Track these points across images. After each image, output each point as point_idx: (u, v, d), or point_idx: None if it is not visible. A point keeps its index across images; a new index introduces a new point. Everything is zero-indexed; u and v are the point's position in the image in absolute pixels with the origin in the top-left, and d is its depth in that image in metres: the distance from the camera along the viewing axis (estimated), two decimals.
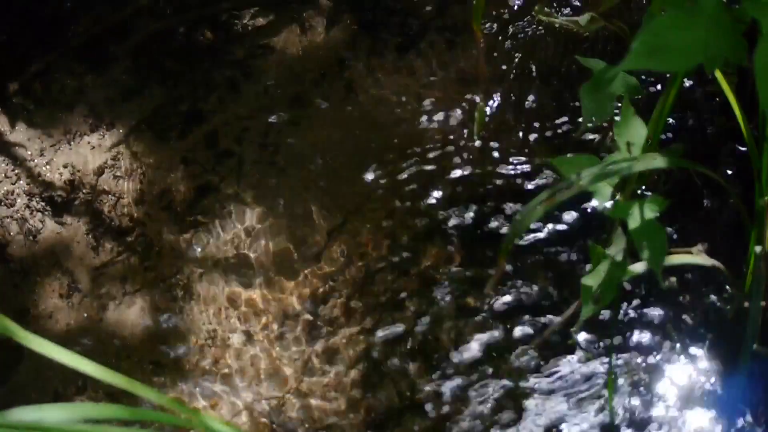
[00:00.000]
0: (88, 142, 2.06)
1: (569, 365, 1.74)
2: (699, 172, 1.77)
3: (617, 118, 1.38)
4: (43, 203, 1.99)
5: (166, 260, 1.93)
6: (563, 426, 1.69)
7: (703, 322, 1.74)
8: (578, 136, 1.49)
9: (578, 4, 2.08)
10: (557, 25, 1.79)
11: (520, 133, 1.99)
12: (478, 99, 2.01)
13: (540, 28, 2.06)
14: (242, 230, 1.95)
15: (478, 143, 1.95)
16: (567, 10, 2.07)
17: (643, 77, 1.90)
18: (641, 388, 1.70)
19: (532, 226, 1.87)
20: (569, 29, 1.93)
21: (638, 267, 1.47)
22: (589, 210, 1.87)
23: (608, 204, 1.33)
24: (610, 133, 1.87)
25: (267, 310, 1.86)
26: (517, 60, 2.06)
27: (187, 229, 1.96)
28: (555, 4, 2.08)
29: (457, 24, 2.12)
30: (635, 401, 1.69)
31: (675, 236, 1.79)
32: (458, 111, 2.03)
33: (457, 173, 1.96)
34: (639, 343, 1.74)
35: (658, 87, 1.94)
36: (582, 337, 1.76)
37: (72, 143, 2.06)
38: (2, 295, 1.91)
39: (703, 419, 1.66)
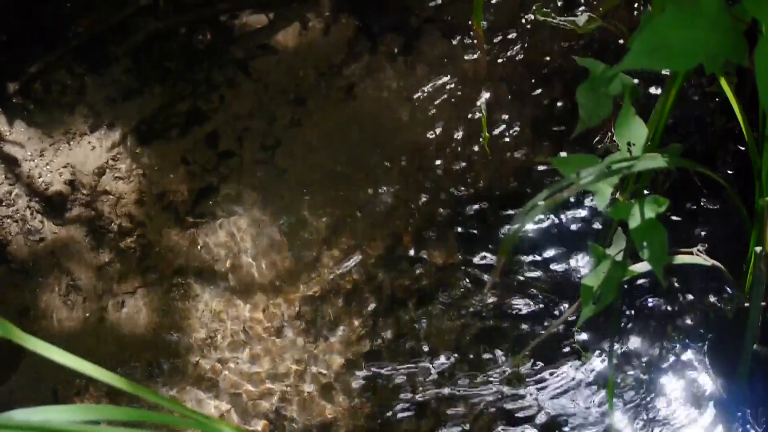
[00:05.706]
0: (88, 142, 2.06)
1: (569, 365, 1.74)
2: (699, 172, 1.77)
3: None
4: (43, 203, 1.99)
5: (166, 260, 1.93)
6: (564, 426, 1.69)
7: (703, 322, 1.74)
8: (575, 135, 1.49)
9: (578, 3, 2.08)
10: (556, 25, 1.79)
11: (520, 132, 1.99)
12: (479, 98, 2.01)
13: (540, 27, 2.06)
14: (242, 230, 1.95)
15: (478, 143, 1.94)
16: (565, 8, 2.07)
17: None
18: (641, 388, 1.70)
19: (533, 225, 1.87)
20: (568, 29, 1.93)
21: (638, 267, 1.47)
22: (589, 210, 1.87)
23: (608, 204, 1.33)
24: (610, 133, 1.87)
25: (266, 311, 1.86)
26: (517, 59, 2.06)
27: (187, 229, 1.96)
28: (557, 3, 2.09)
29: (457, 23, 2.12)
30: (635, 401, 1.69)
31: (675, 237, 1.79)
32: (458, 110, 2.03)
33: (457, 172, 1.96)
34: (639, 344, 1.74)
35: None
36: (582, 337, 1.76)
37: (72, 143, 2.06)
38: (3, 295, 1.91)
39: (703, 419, 1.66)
